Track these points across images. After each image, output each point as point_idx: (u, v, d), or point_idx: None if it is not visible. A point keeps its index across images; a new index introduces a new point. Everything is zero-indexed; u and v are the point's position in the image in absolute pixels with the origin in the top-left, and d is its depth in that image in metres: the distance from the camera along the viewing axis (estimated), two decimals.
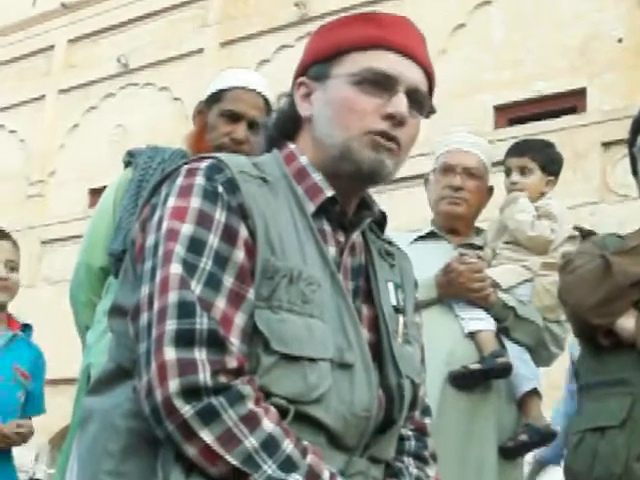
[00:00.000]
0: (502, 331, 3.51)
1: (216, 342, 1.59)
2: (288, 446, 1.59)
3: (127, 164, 3.40)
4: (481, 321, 3.47)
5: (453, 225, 3.72)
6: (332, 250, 1.86)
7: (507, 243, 3.65)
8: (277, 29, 12.42)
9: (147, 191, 1.87)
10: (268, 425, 1.59)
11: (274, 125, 1.98)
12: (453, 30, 10.92)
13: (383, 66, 1.84)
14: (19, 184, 14.41)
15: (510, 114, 10.41)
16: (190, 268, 1.63)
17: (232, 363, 1.60)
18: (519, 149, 3.78)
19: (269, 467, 1.56)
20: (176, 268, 1.63)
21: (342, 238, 1.90)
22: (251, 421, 1.58)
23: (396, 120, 1.83)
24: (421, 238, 3.75)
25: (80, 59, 14.78)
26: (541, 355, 3.60)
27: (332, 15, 10.99)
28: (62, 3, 15.05)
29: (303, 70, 1.94)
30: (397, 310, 1.94)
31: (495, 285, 3.52)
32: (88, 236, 3.43)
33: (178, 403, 1.56)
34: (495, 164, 3.83)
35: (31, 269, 13.43)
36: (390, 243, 2.05)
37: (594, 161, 9.25)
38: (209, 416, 1.56)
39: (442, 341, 3.36)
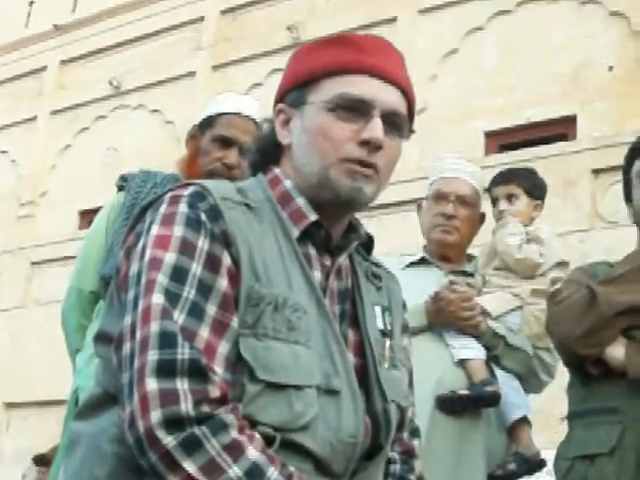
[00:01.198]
0: (492, 359, 3.51)
1: (198, 372, 1.58)
2: (273, 473, 1.58)
3: (120, 188, 3.41)
4: (471, 350, 3.46)
5: (444, 253, 3.72)
6: (317, 274, 1.85)
7: (497, 269, 3.65)
8: (269, 53, 12.44)
9: (131, 218, 1.87)
10: (252, 453, 1.58)
11: (257, 151, 1.97)
12: (445, 55, 10.94)
13: (357, 91, 1.82)
14: (10, 205, 14.38)
15: (501, 140, 10.43)
16: (173, 297, 1.63)
17: (215, 392, 1.59)
18: (504, 177, 3.80)
19: None
20: (158, 298, 1.62)
21: (328, 262, 1.89)
22: (235, 450, 1.57)
23: (372, 146, 1.81)
24: (413, 264, 3.74)
25: (72, 81, 14.78)
26: (531, 383, 3.60)
27: None
28: (54, 25, 15.07)
29: (282, 96, 1.93)
30: (384, 334, 1.93)
31: (485, 313, 3.52)
32: (80, 260, 3.44)
33: (160, 434, 1.55)
34: (486, 191, 3.85)
35: (21, 290, 13.40)
36: (377, 265, 2.04)
37: (584, 188, 9.26)
38: (192, 446, 1.55)
39: (431, 369, 3.35)
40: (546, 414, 7.14)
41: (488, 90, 10.44)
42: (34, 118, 14.84)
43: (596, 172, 9.15)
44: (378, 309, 1.96)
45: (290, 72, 1.93)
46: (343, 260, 1.93)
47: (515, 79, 10.30)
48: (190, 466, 1.54)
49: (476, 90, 10.52)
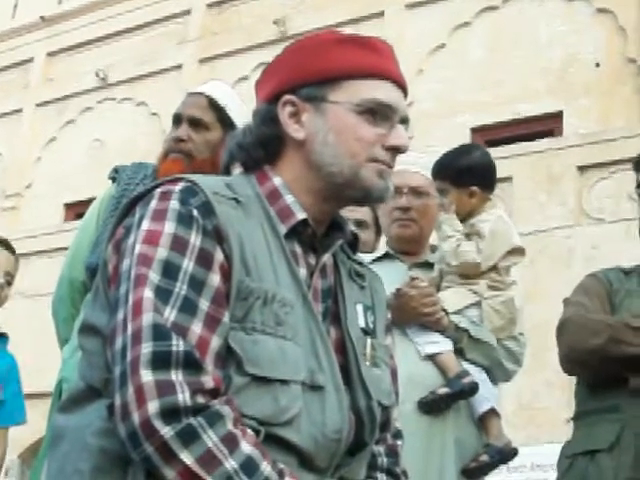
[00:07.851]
0: (457, 353, 3.52)
1: (192, 364, 1.59)
2: (266, 468, 1.59)
3: (113, 180, 3.42)
4: (438, 344, 3.46)
5: (405, 248, 3.72)
6: (303, 272, 1.85)
7: (449, 267, 3.62)
8: (256, 46, 12.45)
9: (119, 211, 1.87)
10: (246, 447, 1.58)
11: (259, 145, 1.92)
12: (432, 50, 10.97)
13: (384, 97, 1.86)
14: None
15: (487, 136, 10.45)
16: (164, 293, 1.63)
17: (209, 384, 1.59)
18: (432, 172, 3.66)
19: None
20: (148, 292, 1.62)
21: (313, 260, 1.90)
22: (230, 442, 1.57)
23: (400, 151, 1.88)
24: (378, 259, 3.75)
25: (59, 73, 14.76)
26: (498, 373, 3.61)
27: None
28: (41, 16, 15.04)
29: (288, 87, 1.90)
30: (365, 332, 1.94)
31: (444, 309, 3.52)
32: (71, 250, 3.44)
33: (158, 424, 1.55)
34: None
35: None
36: (361, 264, 2.05)
37: (570, 184, 9.27)
38: (189, 437, 1.55)
39: (400, 365, 3.35)
40: (529, 409, 7.15)
41: (474, 85, 10.47)
42: (20, 110, 14.81)
43: (582, 169, 9.14)
44: (360, 307, 1.96)
45: (301, 65, 1.91)
46: (327, 258, 1.93)
47: (502, 75, 10.33)
48: (187, 457, 1.55)
49: (463, 85, 10.54)
